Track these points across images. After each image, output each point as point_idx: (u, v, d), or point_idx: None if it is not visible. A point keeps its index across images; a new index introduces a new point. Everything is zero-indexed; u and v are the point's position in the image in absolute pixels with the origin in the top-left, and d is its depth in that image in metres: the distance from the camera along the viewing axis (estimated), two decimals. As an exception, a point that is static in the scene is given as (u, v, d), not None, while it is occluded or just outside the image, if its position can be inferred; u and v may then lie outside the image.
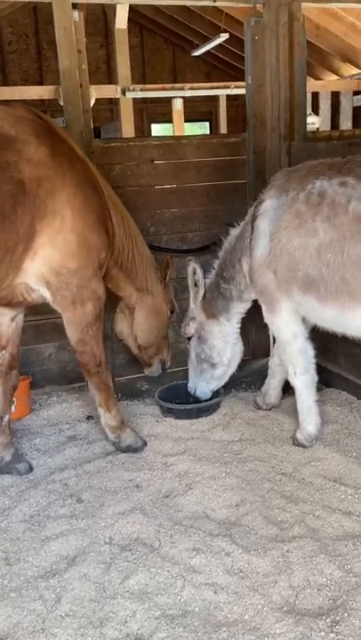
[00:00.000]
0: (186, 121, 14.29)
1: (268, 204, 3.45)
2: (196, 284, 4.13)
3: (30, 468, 3.65)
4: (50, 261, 3.30)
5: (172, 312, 4.33)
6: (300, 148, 4.87)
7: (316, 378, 3.68)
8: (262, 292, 3.55)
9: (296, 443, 3.74)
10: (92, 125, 4.64)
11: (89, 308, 3.48)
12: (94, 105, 11.59)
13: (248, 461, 3.58)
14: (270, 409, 4.30)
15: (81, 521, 3.07)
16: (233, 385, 4.64)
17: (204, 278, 4.09)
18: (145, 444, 3.88)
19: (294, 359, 3.60)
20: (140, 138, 6.94)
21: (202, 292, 4.09)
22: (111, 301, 4.07)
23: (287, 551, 2.73)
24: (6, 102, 3.67)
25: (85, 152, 4.49)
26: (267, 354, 4.80)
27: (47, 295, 3.41)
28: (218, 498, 3.23)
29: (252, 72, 4.91)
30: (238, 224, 3.91)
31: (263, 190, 3.60)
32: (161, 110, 14.41)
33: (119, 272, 3.85)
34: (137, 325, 4.11)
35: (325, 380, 4.67)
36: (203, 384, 4.24)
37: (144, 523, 3.01)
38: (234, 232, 3.91)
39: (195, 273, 4.10)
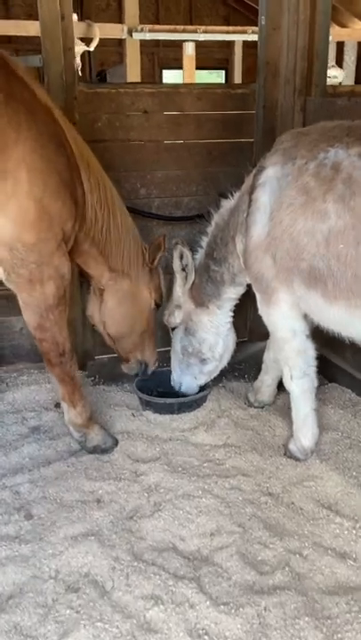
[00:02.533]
0: (200, 68, 13.35)
1: (271, 172, 2.83)
2: (183, 269, 3.55)
3: (-21, 469, 3.17)
4: (0, 233, 2.73)
5: (157, 305, 3.63)
6: (317, 104, 4.19)
7: (316, 383, 3.13)
8: (257, 279, 2.97)
9: (288, 454, 3.23)
10: (75, 66, 3.96)
11: (50, 289, 2.92)
12: (100, 46, 10.78)
13: (230, 476, 3.07)
14: (263, 407, 3.77)
15: (25, 546, 2.59)
16: (224, 372, 4.09)
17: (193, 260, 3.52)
18: (116, 443, 3.38)
19: (291, 360, 3.04)
20: (131, 84, 6.18)
21: (191, 277, 3.52)
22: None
23: (264, 609, 2.24)
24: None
25: (66, 98, 3.88)
26: (265, 336, 4.21)
27: None
28: (190, 523, 2.73)
29: (267, 10, 4.19)
30: (232, 195, 3.30)
31: (265, 155, 2.97)
32: (173, 55, 13.46)
33: (91, 247, 3.24)
34: (106, 311, 3.48)
35: (328, 373, 4.13)
36: (189, 379, 3.72)
37: (98, 554, 2.52)
38: (227, 204, 3.29)
39: (182, 257, 3.51)
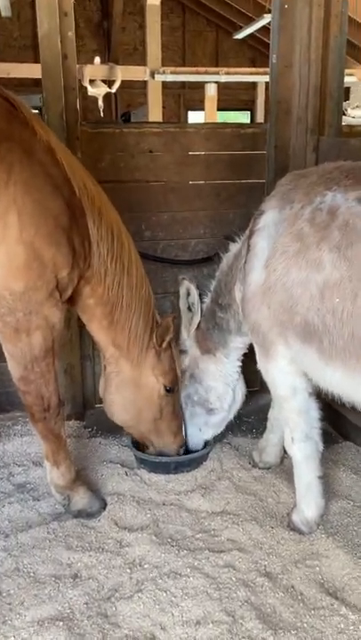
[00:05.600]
0: (225, 109, 13.41)
1: (269, 216, 2.60)
2: (189, 309, 3.32)
3: None
4: None
5: (168, 390, 3.21)
6: (330, 144, 3.98)
7: (321, 447, 2.82)
8: (254, 329, 2.71)
9: (291, 526, 2.89)
10: (77, 105, 3.84)
11: (36, 339, 2.70)
12: (127, 88, 10.82)
13: (225, 550, 2.75)
14: (268, 468, 3.45)
15: (-15, 630, 2.32)
16: (230, 427, 3.78)
17: (201, 302, 3.29)
18: (104, 506, 3.10)
19: (292, 421, 2.74)
20: (136, 124, 6.10)
21: (197, 318, 3.28)
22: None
23: None
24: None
25: (68, 138, 3.75)
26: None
27: None
28: (174, 608, 2.42)
29: (278, 49, 4.04)
30: (240, 238, 3.07)
31: (265, 199, 2.74)
32: (199, 97, 13.52)
33: (97, 305, 2.95)
34: (105, 396, 3.20)
35: (343, 430, 3.81)
36: (194, 431, 3.45)
37: (64, 645, 2.23)
38: (233, 248, 3.07)
39: (188, 294, 3.29)
